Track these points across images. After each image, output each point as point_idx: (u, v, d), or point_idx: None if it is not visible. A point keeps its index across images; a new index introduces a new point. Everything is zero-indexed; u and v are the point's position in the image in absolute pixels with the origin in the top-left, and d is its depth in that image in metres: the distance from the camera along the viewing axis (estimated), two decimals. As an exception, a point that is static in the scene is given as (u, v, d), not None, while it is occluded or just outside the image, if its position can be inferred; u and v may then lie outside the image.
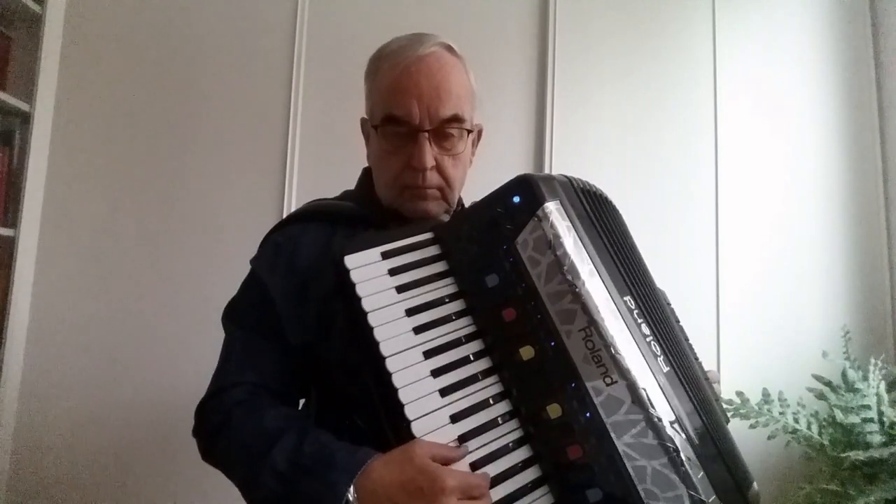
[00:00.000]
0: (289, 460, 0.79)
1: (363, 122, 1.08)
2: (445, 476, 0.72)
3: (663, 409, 0.77)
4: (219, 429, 0.90)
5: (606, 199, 0.97)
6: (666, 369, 0.82)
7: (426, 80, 0.96)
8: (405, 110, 0.95)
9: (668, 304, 1.07)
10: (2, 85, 1.87)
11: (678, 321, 1.05)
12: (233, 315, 1.03)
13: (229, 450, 0.88)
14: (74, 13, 1.98)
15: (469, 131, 1.01)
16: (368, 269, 0.83)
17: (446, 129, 0.98)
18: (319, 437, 0.83)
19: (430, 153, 0.96)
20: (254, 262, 1.04)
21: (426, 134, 0.96)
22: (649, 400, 0.76)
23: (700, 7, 2.06)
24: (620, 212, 1.00)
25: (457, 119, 0.98)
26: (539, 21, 2.03)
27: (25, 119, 1.87)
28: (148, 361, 1.83)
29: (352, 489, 0.74)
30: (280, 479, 0.79)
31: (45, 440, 1.79)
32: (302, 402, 1.08)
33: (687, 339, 1.02)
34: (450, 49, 1.02)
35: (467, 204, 1.11)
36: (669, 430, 0.76)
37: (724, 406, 1.46)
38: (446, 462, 0.75)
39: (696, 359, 1.00)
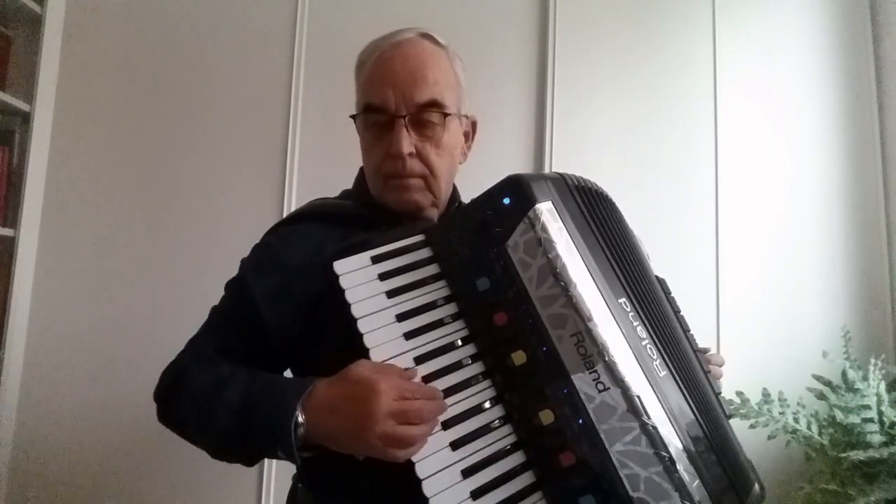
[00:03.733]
0: (241, 397, 0.83)
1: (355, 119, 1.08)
2: (379, 380, 0.76)
3: (658, 416, 0.76)
4: (175, 384, 0.92)
5: (603, 195, 0.95)
6: (663, 373, 0.81)
7: (401, 66, 0.96)
8: (381, 98, 0.96)
9: (669, 293, 1.05)
10: (2, 85, 1.86)
11: (678, 311, 1.02)
12: (216, 308, 1.05)
13: (185, 400, 0.90)
14: (74, 13, 1.98)
15: (447, 115, 0.99)
16: (358, 275, 0.82)
17: (424, 116, 0.97)
18: (267, 375, 0.88)
19: (407, 139, 0.95)
20: (242, 260, 1.05)
21: (403, 120, 0.95)
22: (643, 407, 0.76)
23: (700, 7, 2.04)
24: (619, 208, 0.98)
25: (435, 104, 0.97)
26: (539, 21, 2.01)
27: (25, 119, 1.87)
28: (147, 361, 1.81)
29: (299, 408, 0.77)
30: (235, 415, 0.82)
31: (45, 440, 1.80)
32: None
33: (688, 331, 1.00)
34: (430, 38, 1.01)
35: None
36: (664, 438, 0.75)
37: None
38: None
39: (696, 350, 0.98)
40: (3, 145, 1.83)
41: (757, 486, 0.86)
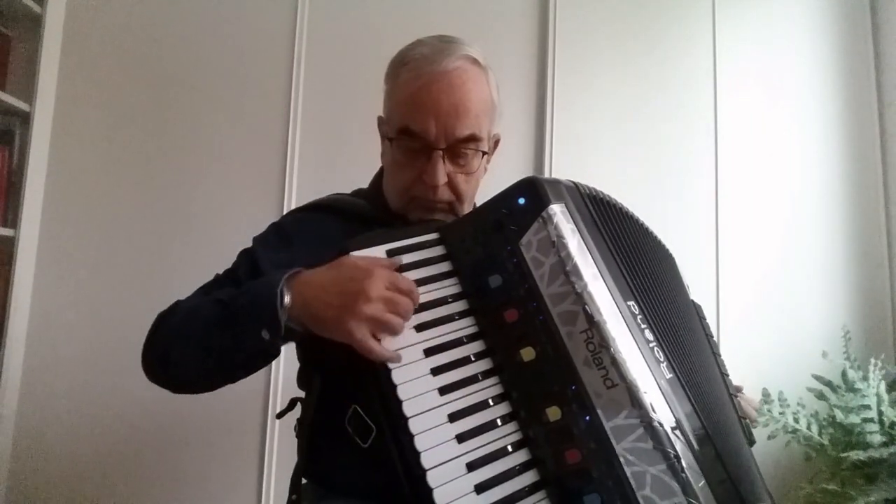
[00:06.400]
0: (227, 293, 0.88)
1: (380, 120, 1.08)
2: (374, 268, 0.79)
3: (664, 415, 0.76)
4: (163, 317, 0.97)
5: (617, 206, 0.96)
6: (668, 376, 0.81)
7: (446, 98, 0.95)
8: (421, 126, 0.96)
9: (703, 318, 1.08)
10: (2, 85, 1.86)
11: (711, 336, 1.04)
12: (221, 273, 1.08)
13: (172, 323, 0.94)
14: (74, 13, 1.97)
15: (485, 153, 1.01)
16: None
17: (461, 149, 0.98)
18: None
19: (442, 170, 0.97)
20: (255, 237, 1.08)
21: (440, 152, 0.96)
22: (650, 404, 0.76)
23: (700, 3, 2.06)
24: (642, 222, 0.99)
25: (473, 139, 0.98)
26: (539, 21, 2.02)
27: (25, 119, 1.87)
28: (148, 361, 1.83)
29: (284, 282, 0.80)
30: (222, 304, 0.86)
31: (45, 440, 1.79)
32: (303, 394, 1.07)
33: (718, 355, 1.02)
34: (474, 61, 1.00)
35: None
36: (670, 436, 0.75)
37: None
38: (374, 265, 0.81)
39: (726, 374, 1.00)
40: (3, 145, 1.83)
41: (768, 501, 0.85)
